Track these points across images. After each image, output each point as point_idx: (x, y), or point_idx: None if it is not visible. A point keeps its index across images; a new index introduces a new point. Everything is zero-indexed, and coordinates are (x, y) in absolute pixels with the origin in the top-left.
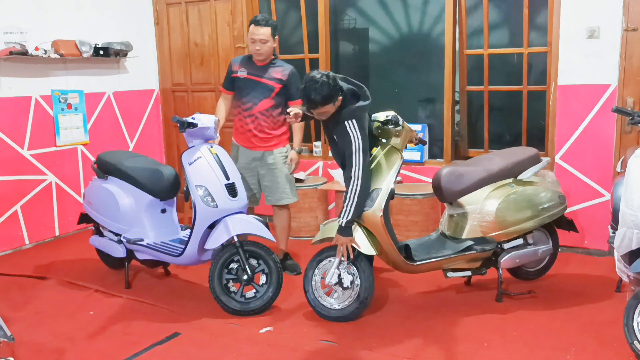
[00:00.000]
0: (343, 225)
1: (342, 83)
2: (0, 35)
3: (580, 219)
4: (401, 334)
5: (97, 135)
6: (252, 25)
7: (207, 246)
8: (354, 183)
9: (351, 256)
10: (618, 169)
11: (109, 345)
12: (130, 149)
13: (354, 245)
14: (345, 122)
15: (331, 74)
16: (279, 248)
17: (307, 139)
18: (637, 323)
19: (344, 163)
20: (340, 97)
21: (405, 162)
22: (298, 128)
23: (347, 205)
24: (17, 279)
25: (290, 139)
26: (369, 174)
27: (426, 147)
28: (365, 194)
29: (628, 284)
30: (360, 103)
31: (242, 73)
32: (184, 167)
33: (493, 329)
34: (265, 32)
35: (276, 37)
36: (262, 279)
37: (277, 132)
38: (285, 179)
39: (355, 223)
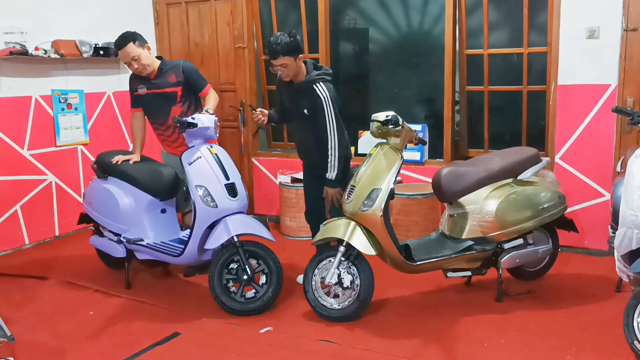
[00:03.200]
0: (332, 179)
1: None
2: (0, 35)
3: (580, 219)
4: (401, 334)
5: (97, 135)
6: (119, 52)
7: (207, 246)
8: (332, 139)
9: (341, 203)
10: (618, 169)
11: (109, 345)
12: (131, 149)
13: (353, 244)
14: (314, 85)
15: (294, 33)
16: None
17: None
18: (637, 323)
19: (320, 146)
20: (301, 56)
21: (405, 162)
22: (211, 97)
23: (332, 161)
24: (17, 279)
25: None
26: (342, 128)
27: (426, 147)
28: (344, 146)
29: (628, 284)
30: (324, 69)
31: (142, 90)
32: (184, 167)
33: (493, 329)
34: (130, 50)
35: (145, 45)
36: (262, 279)
37: None
38: None
39: (355, 223)
